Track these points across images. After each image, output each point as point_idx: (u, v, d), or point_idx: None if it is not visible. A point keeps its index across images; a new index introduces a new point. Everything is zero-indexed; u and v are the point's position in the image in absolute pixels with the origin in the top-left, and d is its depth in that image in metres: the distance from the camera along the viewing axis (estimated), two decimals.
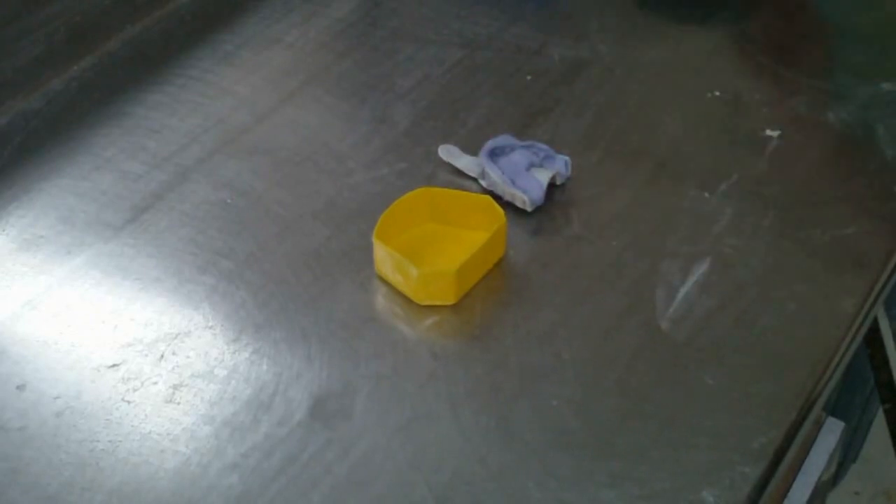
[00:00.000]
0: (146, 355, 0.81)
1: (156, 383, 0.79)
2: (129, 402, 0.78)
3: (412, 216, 0.90)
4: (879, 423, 1.52)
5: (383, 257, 0.85)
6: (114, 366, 0.81)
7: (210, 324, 0.84)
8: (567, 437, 0.75)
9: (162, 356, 0.81)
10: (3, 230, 0.92)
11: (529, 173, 0.92)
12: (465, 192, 0.91)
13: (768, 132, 0.99)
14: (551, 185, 0.93)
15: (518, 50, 1.11)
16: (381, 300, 0.85)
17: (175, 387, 0.79)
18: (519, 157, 0.93)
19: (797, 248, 0.88)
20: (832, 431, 0.97)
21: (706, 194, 0.93)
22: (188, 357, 0.81)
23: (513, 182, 0.91)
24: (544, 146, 0.94)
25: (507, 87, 1.06)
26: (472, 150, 0.97)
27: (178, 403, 0.78)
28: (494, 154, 0.93)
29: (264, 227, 0.91)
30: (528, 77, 1.07)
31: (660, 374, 0.79)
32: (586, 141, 0.99)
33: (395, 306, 0.85)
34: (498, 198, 0.91)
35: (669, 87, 1.05)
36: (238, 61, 1.10)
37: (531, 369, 0.80)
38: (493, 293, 0.86)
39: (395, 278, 0.85)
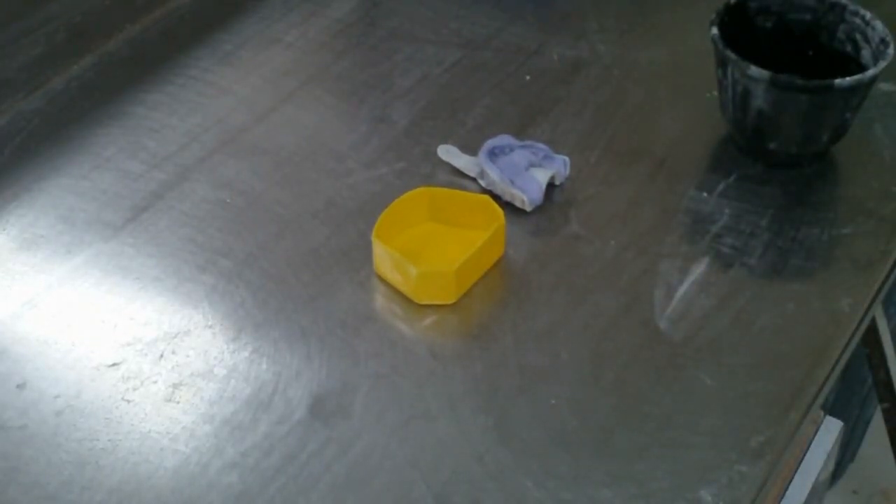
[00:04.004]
0: (146, 354, 0.81)
1: (155, 382, 0.80)
2: (128, 401, 0.78)
3: (411, 216, 0.90)
4: (877, 423, 1.53)
5: (382, 256, 0.86)
6: (114, 365, 0.81)
7: (209, 323, 0.84)
8: (565, 436, 0.75)
9: (161, 355, 0.81)
10: (4, 229, 0.92)
11: (528, 173, 0.92)
12: (464, 192, 0.91)
13: None
14: (550, 185, 0.93)
15: (517, 50, 1.11)
16: (380, 299, 0.86)
17: (175, 386, 0.79)
18: (518, 157, 0.93)
19: (795, 247, 0.89)
20: (830, 431, 0.97)
21: (704, 194, 0.94)
22: (188, 356, 0.81)
23: (512, 182, 0.92)
24: (543, 146, 0.95)
25: (506, 86, 1.06)
26: (471, 149, 0.97)
27: (178, 402, 0.78)
28: (493, 154, 0.94)
29: (263, 227, 0.92)
30: (527, 77, 1.07)
31: (658, 373, 0.79)
32: (585, 141, 0.99)
33: (394, 305, 0.85)
34: (497, 197, 0.91)
35: (668, 87, 1.05)
36: (238, 61, 1.10)
37: (530, 368, 0.80)
38: (491, 292, 0.86)
39: (395, 277, 0.85)
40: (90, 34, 1.10)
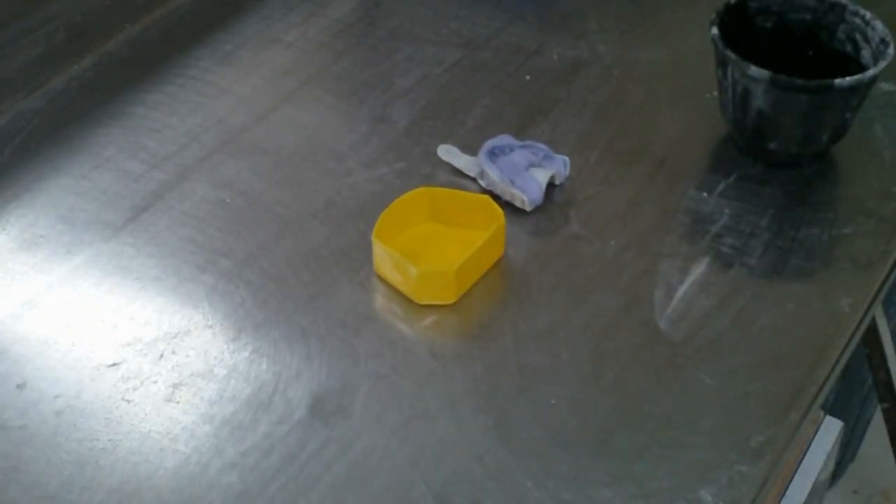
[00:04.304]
0: (146, 354, 0.81)
1: (155, 382, 0.80)
2: (128, 401, 0.78)
3: (411, 216, 0.90)
4: (877, 423, 1.53)
5: (382, 256, 0.86)
6: (114, 365, 0.81)
7: (209, 323, 0.84)
8: (565, 436, 0.75)
9: (161, 355, 0.81)
10: (4, 229, 0.92)
11: (528, 173, 0.92)
12: (464, 192, 0.91)
13: None
14: (550, 185, 0.93)
15: (517, 50, 1.11)
16: (380, 299, 0.86)
17: (175, 386, 0.79)
18: (518, 157, 0.93)
19: (795, 247, 0.89)
20: (830, 431, 0.97)
21: (704, 194, 0.94)
22: (188, 356, 0.81)
23: (512, 182, 0.92)
24: (543, 146, 0.95)
25: (506, 86, 1.06)
26: (471, 149, 0.97)
27: (178, 402, 0.78)
28: (493, 154, 0.94)
29: (263, 227, 0.92)
30: (527, 77, 1.07)
31: (658, 373, 0.79)
32: (585, 141, 0.99)
33: (394, 305, 0.85)
34: (497, 197, 0.91)
35: (668, 87, 1.05)
36: (238, 61, 1.10)
37: (530, 368, 0.80)
38: (491, 292, 0.86)
39: (395, 277, 0.85)
40: (90, 34, 1.10)
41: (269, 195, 0.95)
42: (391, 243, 0.86)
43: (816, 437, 0.97)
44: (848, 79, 0.88)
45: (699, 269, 0.87)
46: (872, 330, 1.23)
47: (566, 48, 1.11)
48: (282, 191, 0.95)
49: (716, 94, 0.98)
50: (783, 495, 0.92)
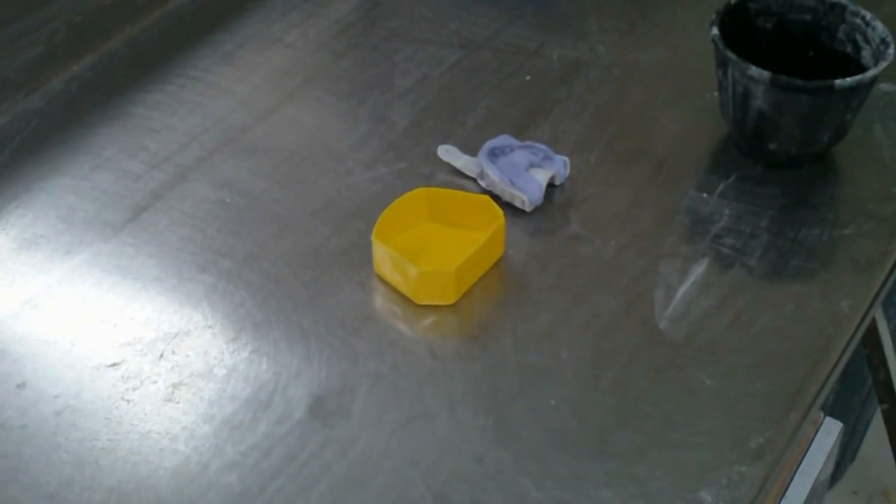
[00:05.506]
0: (146, 354, 0.81)
1: (155, 382, 0.80)
2: (128, 400, 0.78)
3: (411, 216, 0.90)
4: (877, 424, 1.53)
5: (382, 257, 0.86)
6: (113, 365, 0.81)
7: (209, 323, 0.84)
8: (565, 436, 0.75)
9: (161, 355, 0.81)
10: (3, 229, 0.92)
11: (528, 173, 0.92)
12: (464, 192, 0.91)
13: None
14: (550, 186, 0.93)
15: (517, 50, 1.11)
16: (379, 299, 0.86)
17: (174, 386, 0.79)
18: (518, 158, 0.93)
19: (795, 248, 0.89)
20: (830, 431, 0.97)
21: (704, 194, 0.94)
22: (187, 356, 0.81)
23: (511, 182, 0.92)
24: (543, 146, 0.95)
25: (506, 87, 1.06)
26: (471, 150, 0.97)
27: (178, 402, 0.78)
28: (493, 154, 0.94)
29: (263, 227, 0.92)
30: (527, 77, 1.07)
31: (658, 373, 0.79)
32: (585, 141, 0.99)
33: (393, 306, 0.85)
34: (497, 198, 0.91)
35: (668, 87, 1.05)
36: (238, 61, 1.10)
37: (529, 369, 0.80)
38: (491, 293, 0.86)
39: (394, 278, 0.85)
40: (90, 34, 1.10)
41: (269, 195, 0.95)
42: (391, 243, 0.86)
43: (816, 438, 0.97)
44: (848, 79, 0.88)
45: (699, 269, 0.87)
46: (872, 331, 1.23)
47: (566, 48, 1.11)
48: (282, 191, 0.95)
49: (716, 94, 0.98)
50: (783, 496, 0.92)
